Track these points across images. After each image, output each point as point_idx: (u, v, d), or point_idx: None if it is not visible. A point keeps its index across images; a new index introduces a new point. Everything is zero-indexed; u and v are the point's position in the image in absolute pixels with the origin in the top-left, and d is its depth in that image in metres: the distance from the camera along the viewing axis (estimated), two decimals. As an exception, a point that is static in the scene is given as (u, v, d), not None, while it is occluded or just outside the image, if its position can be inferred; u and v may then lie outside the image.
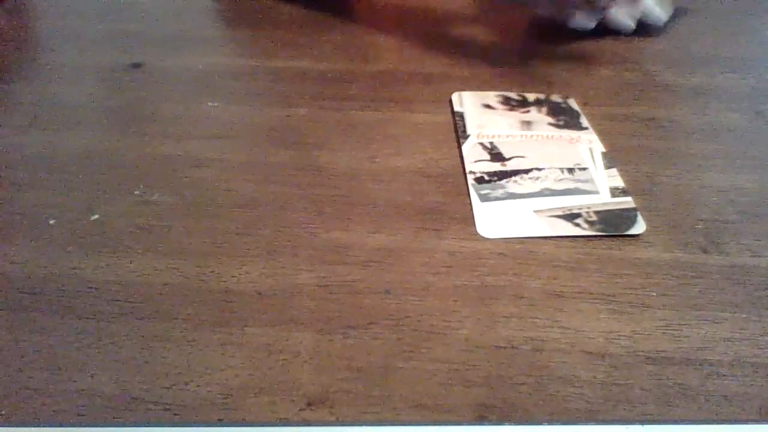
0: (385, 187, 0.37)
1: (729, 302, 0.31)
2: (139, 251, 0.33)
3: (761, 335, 0.29)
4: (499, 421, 0.26)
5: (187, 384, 0.27)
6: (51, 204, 0.36)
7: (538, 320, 0.30)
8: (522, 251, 0.33)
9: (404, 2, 0.60)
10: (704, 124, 0.43)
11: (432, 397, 0.26)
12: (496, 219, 0.35)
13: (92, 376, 0.27)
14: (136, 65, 0.49)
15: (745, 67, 0.50)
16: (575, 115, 0.43)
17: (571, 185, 0.37)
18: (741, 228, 0.35)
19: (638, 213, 0.35)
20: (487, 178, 0.38)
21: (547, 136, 0.41)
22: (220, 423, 0.25)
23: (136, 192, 0.37)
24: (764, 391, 0.27)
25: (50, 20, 0.56)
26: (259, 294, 0.31)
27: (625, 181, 0.38)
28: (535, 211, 0.35)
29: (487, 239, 0.34)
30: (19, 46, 0.52)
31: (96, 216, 0.35)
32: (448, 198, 0.36)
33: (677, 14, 0.56)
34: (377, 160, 0.39)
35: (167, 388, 0.26)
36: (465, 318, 0.30)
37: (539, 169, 0.38)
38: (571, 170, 0.38)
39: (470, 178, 0.38)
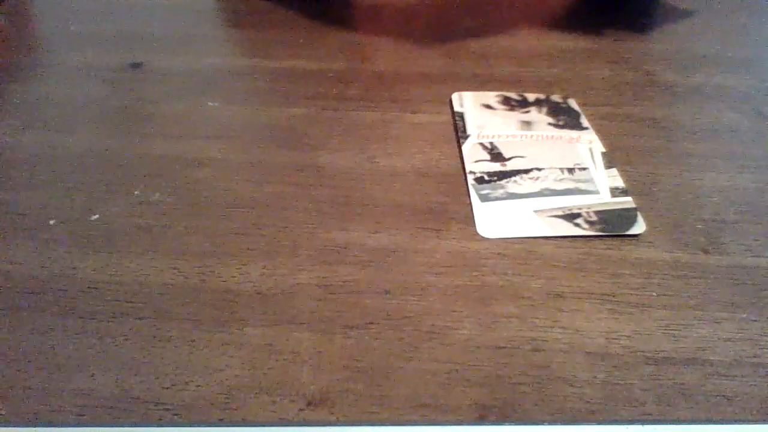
0: (384, 187, 0.37)
1: (729, 302, 0.31)
2: (139, 251, 0.33)
3: (761, 335, 0.29)
4: (499, 421, 0.26)
5: (187, 384, 0.27)
6: (51, 204, 0.36)
7: (538, 320, 0.30)
8: (522, 251, 0.33)
9: (404, 2, 0.60)
10: (704, 124, 0.43)
11: (432, 397, 0.26)
12: (496, 219, 0.35)
13: (92, 376, 0.27)
14: (136, 65, 0.49)
15: (745, 67, 0.50)
16: (575, 115, 0.43)
17: (571, 185, 0.37)
18: (741, 228, 0.35)
19: (638, 213, 0.35)
20: (487, 178, 0.38)
21: (547, 136, 0.41)
22: (220, 423, 0.25)
23: (136, 192, 0.37)
24: (764, 391, 0.27)
25: (50, 21, 0.56)
26: (259, 294, 0.31)
27: (625, 181, 0.38)
28: (535, 211, 0.35)
29: (487, 239, 0.34)
30: (19, 47, 0.52)
31: (96, 216, 0.35)
32: (448, 198, 0.36)
33: (678, 14, 0.56)
34: (377, 160, 0.39)
35: (167, 388, 0.26)
36: (465, 318, 0.30)
37: (539, 169, 0.38)
38: (571, 170, 0.38)
39: (470, 178, 0.38)
